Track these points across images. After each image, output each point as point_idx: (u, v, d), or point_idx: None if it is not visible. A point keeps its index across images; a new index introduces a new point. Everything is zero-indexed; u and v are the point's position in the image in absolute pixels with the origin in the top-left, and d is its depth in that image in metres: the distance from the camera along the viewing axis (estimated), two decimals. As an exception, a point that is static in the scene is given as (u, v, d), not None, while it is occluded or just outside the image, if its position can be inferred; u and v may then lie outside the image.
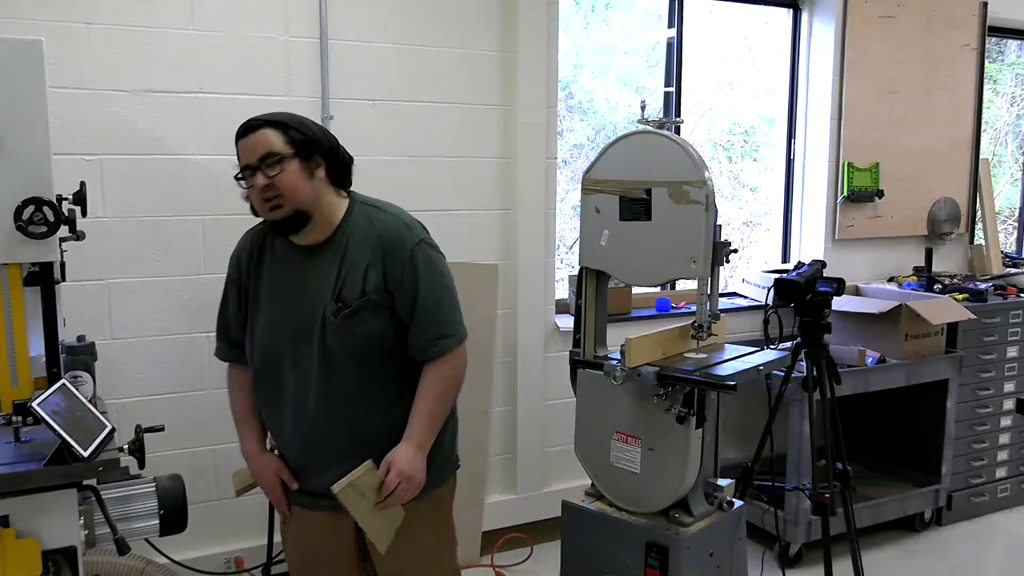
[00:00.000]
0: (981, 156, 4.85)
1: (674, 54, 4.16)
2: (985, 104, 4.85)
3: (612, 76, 4.44)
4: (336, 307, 1.97)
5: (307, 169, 1.96)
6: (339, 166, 2.04)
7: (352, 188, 2.10)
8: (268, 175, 1.93)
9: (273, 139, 1.95)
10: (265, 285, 2.08)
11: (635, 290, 3.96)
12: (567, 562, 2.69)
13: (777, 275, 3.25)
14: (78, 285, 2.82)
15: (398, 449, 2.01)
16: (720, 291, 2.60)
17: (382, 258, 1.98)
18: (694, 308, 2.58)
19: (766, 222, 4.70)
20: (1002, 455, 4.29)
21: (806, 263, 3.24)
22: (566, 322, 3.71)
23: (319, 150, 1.98)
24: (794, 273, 3.14)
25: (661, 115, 3.69)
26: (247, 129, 1.99)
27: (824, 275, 3.14)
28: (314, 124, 2.04)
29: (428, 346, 2.03)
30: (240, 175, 1.99)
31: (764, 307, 3.15)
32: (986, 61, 4.77)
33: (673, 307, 4.08)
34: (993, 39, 5.00)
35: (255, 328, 2.09)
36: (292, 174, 1.94)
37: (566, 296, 3.96)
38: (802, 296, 3.07)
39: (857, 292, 4.37)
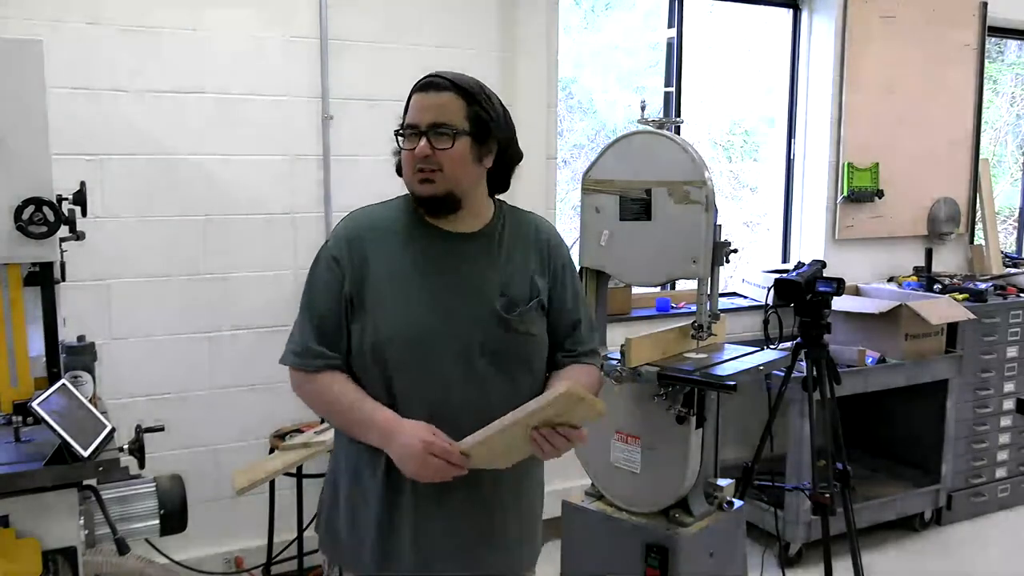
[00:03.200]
0: (981, 156, 4.85)
1: (674, 54, 4.16)
2: (985, 104, 4.85)
3: (612, 76, 4.44)
4: (505, 302, 1.71)
5: (477, 153, 1.69)
6: (504, 162, 1.77)
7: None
8: (434, 145, 1.65)
9: (454, 108, 1.67)
10: (400, 267, 1.69)
11: (635, 290, 3.95)
12: (567, 562, 2.69)
13: (777, 275, 3.24)
14: (78, 285, 2.82)
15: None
16: (720, 291, 2.60)
17: (548, 259, 1.80)
18: (694, 308, 2.58)
19: (766, 222, 4.70)
20: (1002, 455, 4.29)
21: (806, 263, 3.24)
22: (566, 322, 3.70)
23: (498, 135, 1.72)
24: (794, 273, 3.14)
25: (661, 115, 3.69)
26: (430, 85, 1.69)
27: (824, 275, 3.13)
28: (500, 104, 1.76)
29: (581, 352, 1.83)
30: (401, 131, 1.71)
31: (764, 307, 3.15)
32: (986, 61, 4.77)
33: (673, 307, 4.08)
34: (993, 39, 5.00)
35: (384, 316, 1.66)
36: (460, 153, 1.66)
37: (566, 296, 3.95)
38: (802, 296, 3.07)
39: (857, 292, 4.37)
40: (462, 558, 1.71)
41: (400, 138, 1.72)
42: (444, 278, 1.70)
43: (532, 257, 1.78)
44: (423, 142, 1.66)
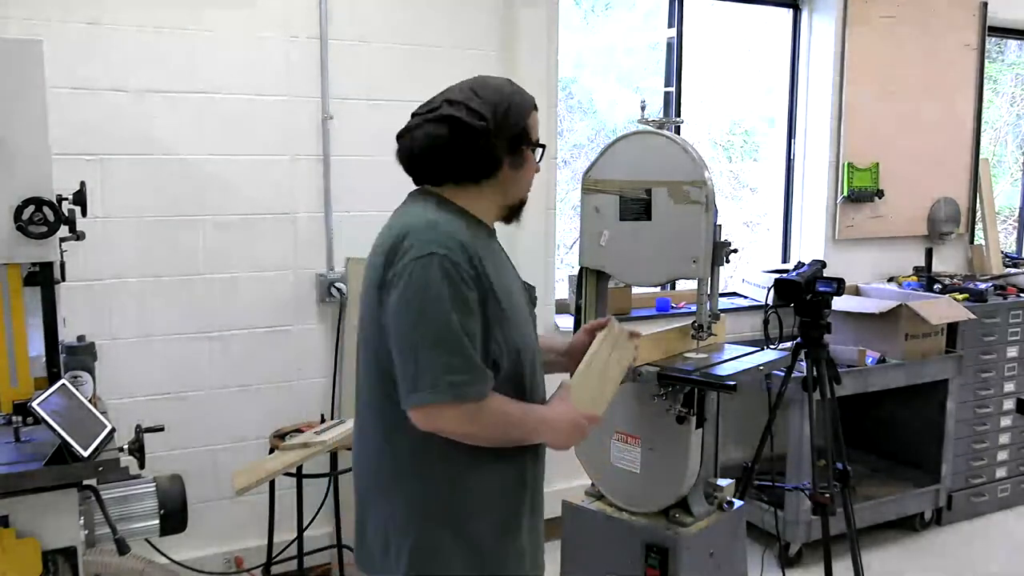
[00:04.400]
0: (981, 156, 4.85)
1: (674, 54, 4.16)
2: (985, 104, 4.85)
3: (612, 76, 4.44)
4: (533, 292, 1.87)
5: None
6: None
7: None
8: None
9: None
10: (496, 272, 1.67)
11: (635, 290, 3.95)
12: (567, 562, 2.69)
13: (777, 275, 3.24)
14: (78, 285, 2.82)
15: None
16: (720, 291, 2.60)
17: None
18: (694, 308, 2.58)
19: (766, 222, 4.70)
20: (1002, 455, 4.29)
21: (806, 263, 3.24)
22: (566, 322, 3.70)
23: None
24: (794, 273, 3.14)
25: (661, 115, 3.69)
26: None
27: (824, 275, 3.13)
28: None
29: None
30: (539, 147, 1.80)
31: (764, 307, 3.15)
32: (986, 61, 4.77)
33: (673, 307, 4.08)
34: (993, 39, 5.00)
35: (512, 334, 1.67)
36: None
37: (566, 296, 3.95)
38: (802, 296, 3.07)
39: (857, 292, 4.37)
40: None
41: (531, 151, 1.77)
42: (513, 274, 1.79)
43: None
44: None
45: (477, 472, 1.65)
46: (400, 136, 1.76)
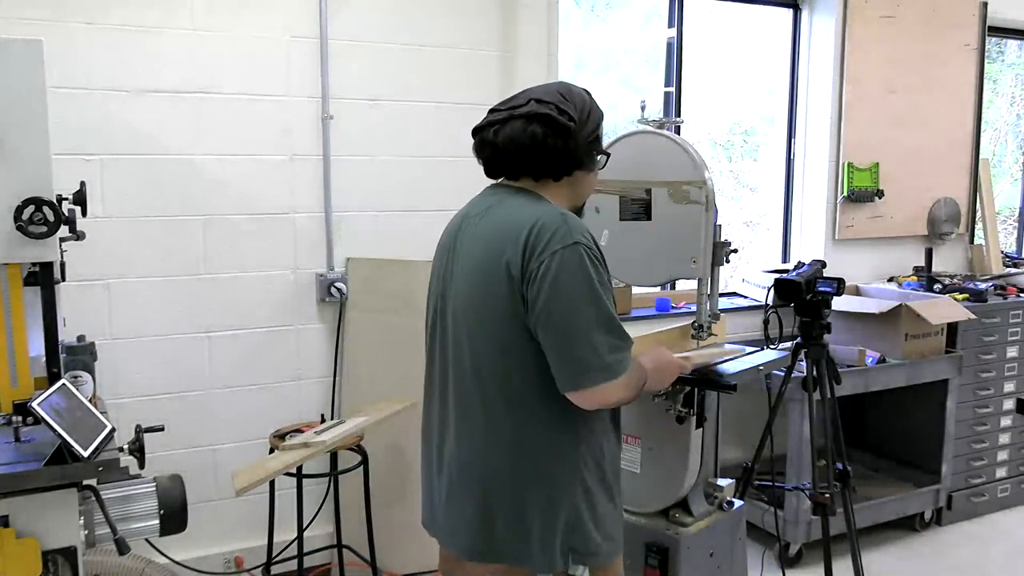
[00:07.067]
0: (981, 156, 4.85)
1: (674, 54, 4.16)
2: (985, 104, 4.85)
3: (612, 76, 4.44)
4: None
5: None
6: None
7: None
8: None
9: None
10: None
11: (635, 290, 3.95)
12: (567, 562, 2.69)
13: (777, 275, 3.24)
14: (78, 285, 2.82)
15: None
16: (720, 291, 2.60)
17: None
18: (694, 308, 2.58)
19: (766, 222, 4.70)
20: (1002, 455, 4.29)
21: (806, 263, 3.24)
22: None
23: None
24: (794, 273, 3.13)
25: (661, 115, 3.69)
26: None
27: (824, 275, 3.13)
28: None
29: None
30: (605, 155, 1.92)
31: (764, 307, 3.15)
32: (986, 61, 4.77)
33: (673, 307, 4.08)
34: (993, 39, 5.00)
35: None
36: None
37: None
38: (802, 296, 3.07)
39: (857, 292, 4.37)
40: None
41: (598, 157, 1.88)
42: None
43: None
44: None
45: (605, 436, 1.83)
46: (480, 129, 1.85)
